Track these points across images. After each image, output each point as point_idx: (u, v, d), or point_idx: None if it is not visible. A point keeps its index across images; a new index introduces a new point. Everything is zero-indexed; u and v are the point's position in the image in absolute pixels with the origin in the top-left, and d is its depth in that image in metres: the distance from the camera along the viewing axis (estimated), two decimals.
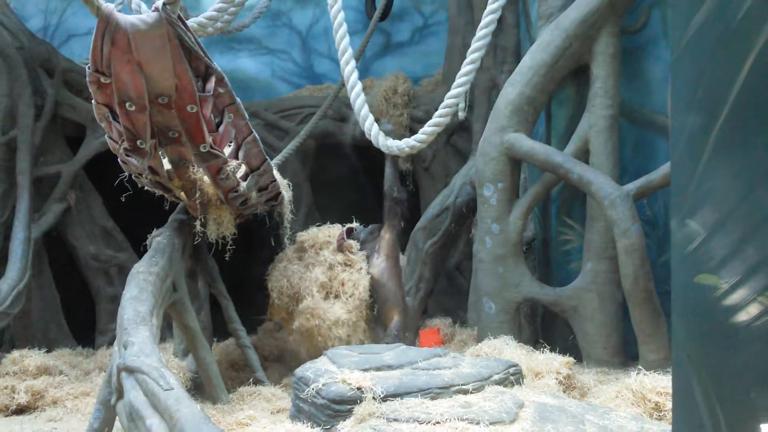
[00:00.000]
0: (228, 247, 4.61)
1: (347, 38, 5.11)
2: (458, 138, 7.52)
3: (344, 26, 5.11)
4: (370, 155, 6.29)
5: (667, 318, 4.53)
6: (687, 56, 1.18)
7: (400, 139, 5.35)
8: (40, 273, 6.44)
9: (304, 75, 8.92)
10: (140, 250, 4.60)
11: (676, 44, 1.19)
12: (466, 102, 6.53)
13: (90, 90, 3.39)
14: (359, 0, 8.95)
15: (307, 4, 8.85)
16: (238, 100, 3.88)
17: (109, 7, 3.05)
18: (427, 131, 5.23)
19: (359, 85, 5.15)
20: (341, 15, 5.13)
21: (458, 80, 5.18)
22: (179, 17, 3.18)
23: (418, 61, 8.99)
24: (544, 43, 5.08)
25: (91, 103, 6.56)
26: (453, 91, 5.18)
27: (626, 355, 4.83)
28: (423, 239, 6.51)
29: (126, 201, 4.55)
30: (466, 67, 5.17)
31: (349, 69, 5.04)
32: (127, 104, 3.32)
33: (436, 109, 7.55)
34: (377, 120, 5.68)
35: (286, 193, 5.20)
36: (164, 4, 3.05)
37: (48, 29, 8.58)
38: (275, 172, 4.81)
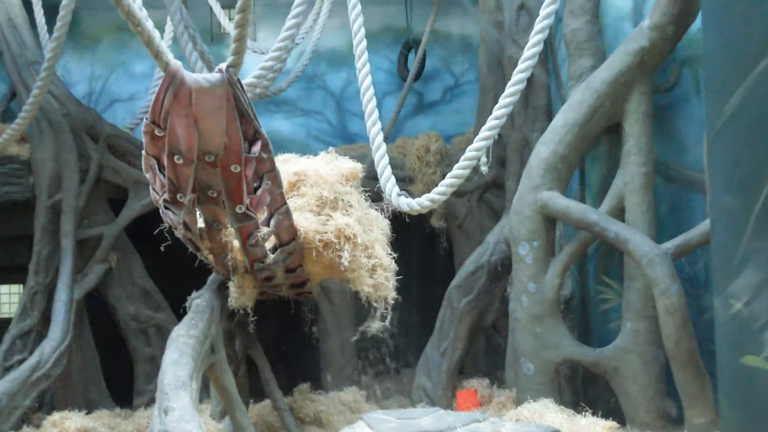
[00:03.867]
0: (251, 318, 4.57)
1: (374, 101, 5.14)
2: (491, 195, 7.55)
3: (371, 89, 5.13)
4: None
5: (712, 379, 4.40)
6: (723, 139, 1.19)
7: None
8: (80, 334, 6.55)
9: (338, 135, 9.10)
10: (179, 310, 4.65)
11: (712, 127, 1.21)
12: (488, 157, 6.54)
13: (143, 140, 3.52)
14: (391, 62, 9.18)
15: (341, 66, 9.09)
16: (278, 169, 3.97)
17: (177, 64, 3.19)
18: (446, 183, 5.09)
19: (383, 147, 5.11)
20: (369, 79, 5.18)
21: (481, 134, 5.15)
22: (238, 80, 3.31)
23: (449, 120, 9.13)
24: (576, 103, 5.14)
25: (133, 167, 6.86)
26: (474, 145, 5.10)
27: (671, 419, 4.69)
28: (458, 298, 6.47)
29: (164, 260, 4.62)
30: (490, 122, 5.13)
31: (375, 130, 5.04)
32: (176, 157, 3.43)
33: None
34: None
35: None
36: (228, 67, 3.19)
37: (92, 95, 8.93)
38: None
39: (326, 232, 4.36)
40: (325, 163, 4.75)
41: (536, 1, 6.58)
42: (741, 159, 1.14)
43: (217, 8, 7.77)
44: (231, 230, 4.21)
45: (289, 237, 4.30)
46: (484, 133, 5.09)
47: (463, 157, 5.12)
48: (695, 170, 5.01)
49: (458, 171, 5.04)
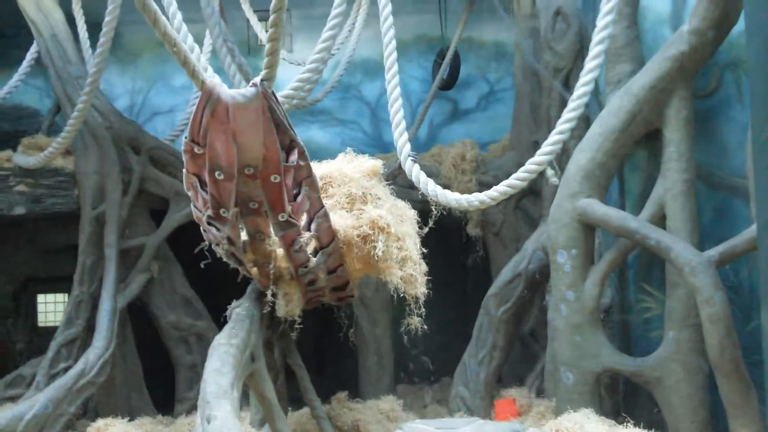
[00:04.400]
0: (295, 325, 4.64)
1: (401, 112, 5.13)
2: (528, 203, 7.50)
3: (399, 101, 5.14)
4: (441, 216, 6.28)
5: (758, 390, 4.30)
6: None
7: None
8: (123, 342, 6.69)
9: (373, 144, 9.15)
10: (219, 318, 4.72)
11: (758, 135, 1.20)
12: (555, 169, 6.41)
13: (183, 159, 3.60)
14: (425, 70, 9.20)
15: (376, 76, 9.14)
16: (315, 173, 4.03)
17: (213, 82, 3.26)
18: (500, 190, 4.99)
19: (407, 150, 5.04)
20: (397, 91, 5.17)
21: (543, 148, 5.03)
22: (272, 92, 3.37)
23: (485, 127, 9.12)
24: (615, 109, 5.08)
25: (173, 178, 6.99)
26: (536, 158, 5.01)
27: (716, 429, 4.59)
28: (495, 306, 6.43)
29: (205, 270, 4.71)
30: (553, 137, 5.01)
31: (402, 140, 5.05)
32: (217, 173, 3.50)
33: (505, 175, 7.56)
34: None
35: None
36: (262, 80, 3.25)
37: (134, 107, 9.16)
38: None
39: (361, 226, 4.39)
40: (346, 163, 4.83)
41: (572, 7, 6.54)
42: None
43: (254, 21, 7.90)
44: (273, 239, 4.28)
45: (328, 239, 4.37)
46: (546, 147, 4.98)
47: (523, 169, 5.02)
48: (738, 176, 4.91)
49: (514, 181, 4.92)
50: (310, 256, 4.39)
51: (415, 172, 4.94)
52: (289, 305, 4.57)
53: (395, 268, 4.45)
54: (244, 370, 4.06)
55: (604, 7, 4.74)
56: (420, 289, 4.55)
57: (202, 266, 4.66)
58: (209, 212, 3.79)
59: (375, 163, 4.80)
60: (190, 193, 3.89)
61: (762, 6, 1.54)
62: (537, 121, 7.14)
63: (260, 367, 4.38)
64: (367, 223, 4.40)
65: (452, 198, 4.85)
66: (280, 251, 4.39)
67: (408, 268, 4.49)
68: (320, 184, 4.63)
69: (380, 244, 4.35)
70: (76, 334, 6.48)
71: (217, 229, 3.97)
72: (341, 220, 4.44)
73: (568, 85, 6.49)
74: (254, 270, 4.55)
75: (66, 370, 6.19)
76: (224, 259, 4.56)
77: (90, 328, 6.34)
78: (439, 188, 4.91)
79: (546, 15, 6.73)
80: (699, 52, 4.75)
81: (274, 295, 4.54)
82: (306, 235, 4.21)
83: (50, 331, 7.01)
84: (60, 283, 7.76)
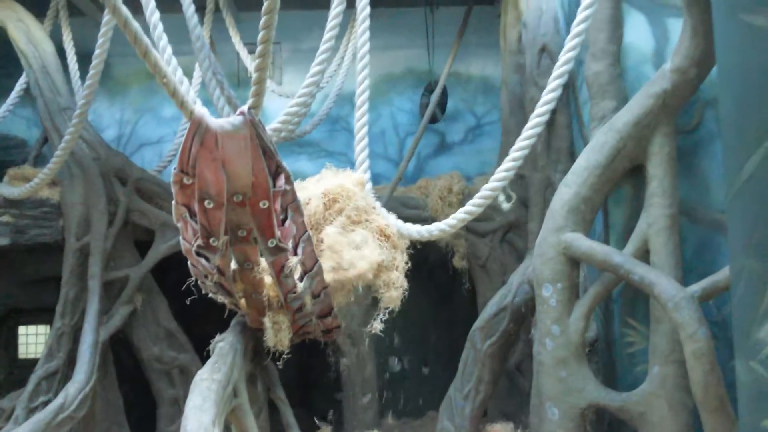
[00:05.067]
0: (284, 355, 4.62)
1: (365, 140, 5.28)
2: (514, 236, 7.53)
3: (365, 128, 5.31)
4: (427, 249, 6.31)
5: None
6: (742, 200, 1.19)
7: None
8: (105, 375, 6.60)
9: None
10: (202, 350, 4.68)
11: (730, 188, 1.22)
12: (510, 195, 6.57)
13: (172, 190, 3.61)
14: (414, 103, 9.30)
15: None
16: (299, 197, 4.06)
17: (201, 112, 3.29)
18: (457, 217, 5.20)
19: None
20: (365, 116, 5.31)
21: (497, 174, 5.24)
22: (259, 120, 3.41)
23: (472, 160, 9.21)
24: (599, 144, 5.14)
25: (160, 209, 6.98)
26: (490, 185, 5.21)
27: None
28: (481, 340, 6.41)
29: (188, 300, 4.68)
30: (507, 164, 5.21)
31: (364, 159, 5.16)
32: (206, 202, 3.52)
33: (492, 207, 7.59)
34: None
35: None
36: (249, 108, 3.29)
37: (122, 138, 9.17)
38: None
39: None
40: (341, 177, 5.03)
41: (557, 44, 6.65)
42: (759, 221, 1.14)
43: (243, 54, 7.98)
44: (262, 267, 4.30)
45: (312, 262, 4.39)
46: (500, 174, 5.19)
47: (477, 195, 5.19)
48: (720, 212, 4.97)
49: (471, 207, 5.18)
50: (297, 281, 4.40)
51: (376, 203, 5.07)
52: (279, 334, 4.57)
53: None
54: (226, 406, 4.02)
55: (569, 43, 4.88)
56: (395, 304, 4.76)
57: (188, 303, 4.64)
58: (199, 242, 3.80)
59: (359, 175, 5.06)
60: (179, 225, 3.90)
61: (734, 64, 1.56)
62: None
63: (243, 403, 4.33)
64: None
65: (413, 230, 5.00)
66: (268, 279, 4.40)
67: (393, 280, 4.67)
68: (325, 200, 4.76)
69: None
70: (56, 367, 6.38)
71: (207, 260, 3.96)
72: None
73: (554, 119, 6.57)
74: (243, 301, 4.53)
75: (46, 404, 6.08)
76: (210, 294, 4.54)
77: (71, 361, 6.25)
78: (400, 221, 5.03)
79: (531, 51, 6.84)
80: (681, 89, 4.83)
81: (263, 324, 4.54)
82: (294, 259, 4.23)
83: (31, 363, 6.90)
84: (42, 315, 7.67)
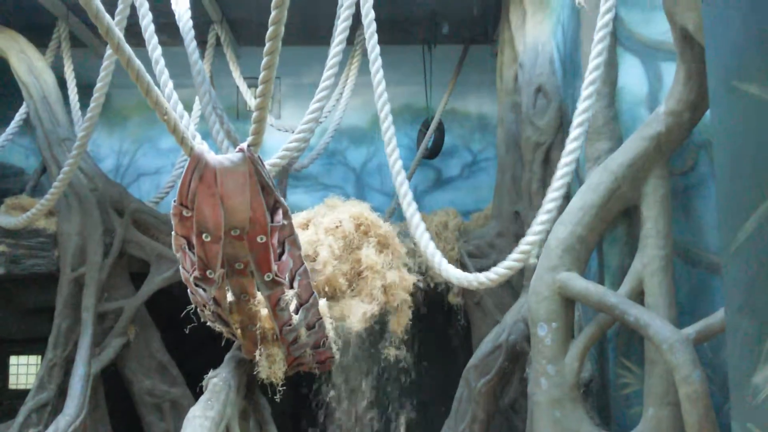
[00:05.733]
0: (278, 388, 4.63)
1: (403, 174, 5.34)
2: None
3: (400, 162, 5.37)
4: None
5: None
6: (738, 261, 1.21)
7: None
8: (95, 408, 6.53)
9: None
10: (195, 384, 4.66)
11: (726, 249, 1.24)
12: (540, 250, 6.59)
13: (171, 222, 3.64)
14: (411, 139, 9.38)
15: (361, 142, 9.31)
16: (296, 231, 4.10)
17: (201, 148, 3.33)
18: (499, 272, 5.26)
19: (422, 225, 5.26)
20: (397, 152, 5.37)
21: (533, 228, 5.26)
22: (258, 157, 3.44)
23: (468, 195, 9.26)
24: (594, 185, 5.18)
25: (156, 240, 6.97)
26: (528, 238, 5.26)
27: None
28: (475, 377, 6.38)
29: (182, 334, 4.68)
30: (537, 227, 5.24)
31: (412, 210, 5.20)
32: (204, 235, 3.55)
33: (487, 244, 7.61)
34: None
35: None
36: (249, 146, 3.32)
37: (120, 168, 9.20)
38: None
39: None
40: (347, 206, 5.60)
41: (553, 84, 6.74)
42: (756, 283, 1.16)
43: (243, 88, 8.06)
44: (258, 300, 4.33)
45: (308, 295, 4.46)
46: (535, 227, 5.23)
47: (516, 250, 5.25)
48: (715, 254, 4.99)
49: (512, 263, 5.27)
50: (292, 314, 4.42)
51: (424, 243, 5.11)
52: (273, 366, 4.59)
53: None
54: None
55: (585, 92, 4.94)
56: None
57: (186, 331, 4.64)
58: (196, 273, 3.82)
59: (363, 204, 5.58)
60: (178, 255, 3.93)
61: (729, 126, 1.59)
62: (518, 192, 7.27)
63: None
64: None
65: (453, 275, 5.07)
66: (263, 312, 4.42)
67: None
68: (352, 225, 5.09)
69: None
70: (47, 399, 6.32)
71: (204, 291, 3.99)
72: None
73: (549, 158, 6.64)
74: (239, 331, 4.54)
75: None
76: (208, 323, 4.55)
77: (62, 393, 6.19)
78: (444, 261, 5.10)
79: (527, 91, 6.93)
80: (675, 132, 4.89)
81: (257, 356, 4.55)
82: (290, 293, 4.26)
83: (21, 394, 6.83)
84: (34, 345, 7.61)
